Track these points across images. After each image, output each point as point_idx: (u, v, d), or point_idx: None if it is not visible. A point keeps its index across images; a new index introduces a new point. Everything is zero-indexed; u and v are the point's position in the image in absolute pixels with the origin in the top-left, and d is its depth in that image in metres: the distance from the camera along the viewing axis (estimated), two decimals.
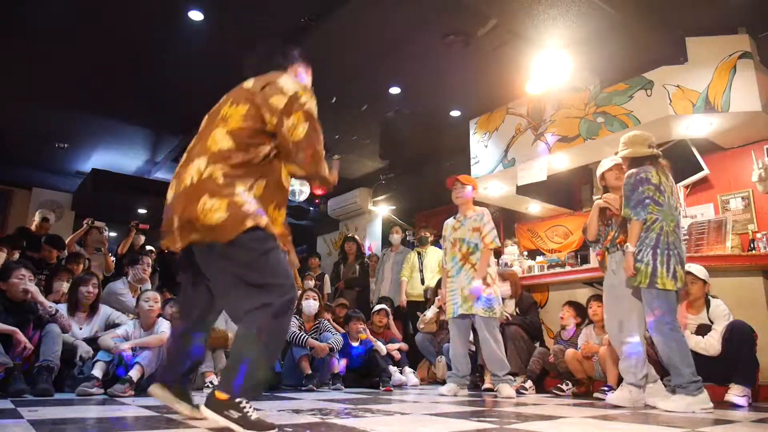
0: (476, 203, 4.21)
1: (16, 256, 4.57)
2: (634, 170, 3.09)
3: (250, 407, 1.74)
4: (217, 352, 3.94)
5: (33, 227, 5.85)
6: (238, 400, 1.72)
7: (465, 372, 3.89)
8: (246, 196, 1.83)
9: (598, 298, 4.03)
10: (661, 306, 2.91)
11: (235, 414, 1.71)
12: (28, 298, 3.39)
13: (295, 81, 2.01)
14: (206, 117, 2.07)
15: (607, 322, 3.29)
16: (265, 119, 1.89)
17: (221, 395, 1.73)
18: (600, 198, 3.40)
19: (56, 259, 5.20)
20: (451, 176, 4.11)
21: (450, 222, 4.15)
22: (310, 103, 1.95)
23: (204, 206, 1.78)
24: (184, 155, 1.99)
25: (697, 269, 3.43)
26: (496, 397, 3.69)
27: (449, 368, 4.16)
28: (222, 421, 1.71)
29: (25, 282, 3.37)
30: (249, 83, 2.00)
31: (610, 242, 3.26)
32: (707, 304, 3.42)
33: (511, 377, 3.80)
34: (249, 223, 1.79)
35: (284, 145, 1.91)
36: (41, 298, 3.46)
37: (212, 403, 1.74)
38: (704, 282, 3.41)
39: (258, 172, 1.90)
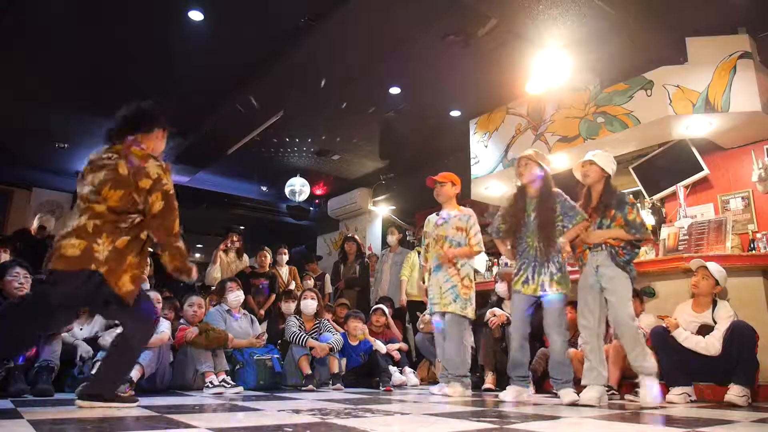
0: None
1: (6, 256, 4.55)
2: (559, 189, 3.51)
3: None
4: (216, 352, 3.93)
5: (32, 230, 5.86)
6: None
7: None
8: (102, 246, 2.35)
9: None
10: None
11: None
12: (25, 293, 3.37)
13: (159, 165, 2.48)
14: (83, 193, 2.48)
15: (586, 320, 3.24)
16: (137, 200, 2.42)
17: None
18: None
19: None
20: (429, 177, 4.09)
21: (433, 218, 4.13)
22: (170, 184, 2.48)
23: (70, 242, 2.33)
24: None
25: (714, 267, 3.44)
26: (496, 397, 3.70)
27: None
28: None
29: (20, 279, 3.36)
30: (123, 169, 2.43)
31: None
32: (714, 304, 3.42)
33: (465, 378, 3.78)
34: (93, 267, 2.30)
35: (147, 216, 2.44)
36: None
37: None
38: (716, 282, 3.41)
39: (123, 232, 2.41)
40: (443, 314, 3.90)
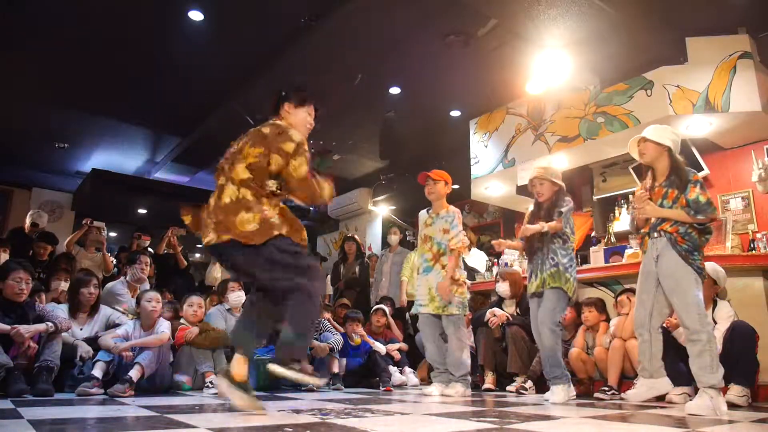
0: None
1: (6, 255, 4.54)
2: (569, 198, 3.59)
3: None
4: (217, 352, 3.93)
5: (26, 228, 5.82)
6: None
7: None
8: (271, 212, 2.38)
9: (590, 303, 4.04)
10: (564, 309, 3.51)
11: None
12: (24, 298, 3.37)
13: (299, 133, 2.52)
14: (229, 155, 2.53)
15: (638, 311, 3.08)
16: (271, 161, 2.41)
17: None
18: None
19: (49, 255, 5.19)
20: (422, 173, 4.02)
21: (423, 215, 4.10)
22: (308, 151, 2.51)
23: (242, 218, 2.32)
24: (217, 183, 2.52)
25: (710, 267, 3.40)
26: (496, 397, 3.70)
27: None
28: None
29: (22, 285, 3.35)
30: (266, 129, 2.50)
31: (651, 228, 3.04)
32: (714, 304, 3.42)
33: (467, 377, 3.79)
34: (275, 233, 2.33)
35: (289, 180, 2.44)
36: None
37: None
38: (713, 281, 3.40)
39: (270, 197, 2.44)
40: (438, 317, 3.88)
